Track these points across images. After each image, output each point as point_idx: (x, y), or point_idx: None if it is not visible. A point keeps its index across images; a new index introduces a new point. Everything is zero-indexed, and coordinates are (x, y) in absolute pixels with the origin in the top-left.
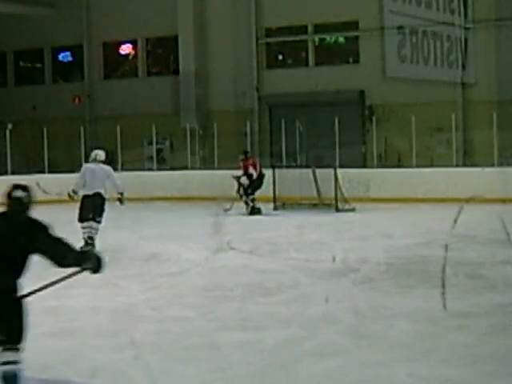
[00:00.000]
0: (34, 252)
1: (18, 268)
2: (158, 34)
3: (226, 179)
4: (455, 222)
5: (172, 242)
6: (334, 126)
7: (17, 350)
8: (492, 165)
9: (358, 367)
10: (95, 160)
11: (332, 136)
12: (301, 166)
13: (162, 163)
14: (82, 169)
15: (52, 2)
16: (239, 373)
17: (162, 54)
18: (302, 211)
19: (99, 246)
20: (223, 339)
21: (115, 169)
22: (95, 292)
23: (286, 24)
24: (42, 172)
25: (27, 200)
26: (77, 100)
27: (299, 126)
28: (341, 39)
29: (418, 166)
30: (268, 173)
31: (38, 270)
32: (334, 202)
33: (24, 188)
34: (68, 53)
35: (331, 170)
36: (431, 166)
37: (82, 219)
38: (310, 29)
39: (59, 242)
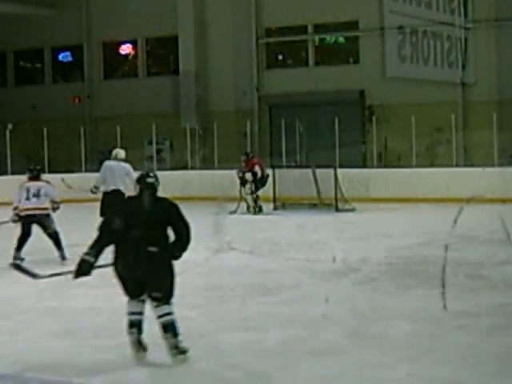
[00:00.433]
0: (168, 224)
1: (163, 238)
2: (158, 34)
3: (226, 179)
4: (455, 222)
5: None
6: (334, 125)
7: (170, 303)
8: (492, 165)
9: (358, 367)
10: (116, 158)
11: (332, 136)
12: (301, 166)
13: (162, 163)
14: (103, 166)
15: (52, 2)
16: (240, 373)
17: (162, 54)
18: (302, 211)
19: None
20: (223, 339)
21: None
22: (95, 292)
23: (286, 24)
24: (42, 172)
25: (157, 184)
26: (77, 100)
27: (299, 125)
28: (341, 39)
29: (417, 166)
30: (268, 173)
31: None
32: (333, 202)
33: (153, 175)
34: (68, 53)
35: (331, 170)
36: (431, 166)
37: (102, 214)
38: (309, 29)
39: (184, 223)
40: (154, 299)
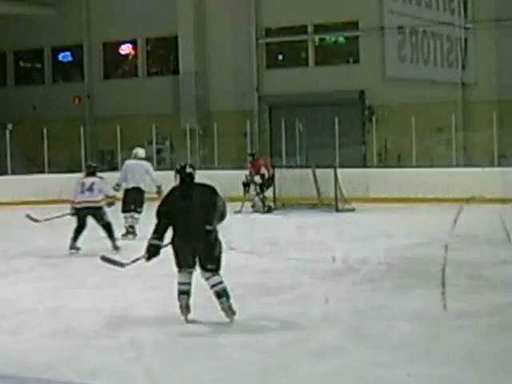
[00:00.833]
0: (212, 204)
1: (208, 218)
2: (158, 34)
3: (226, 179)
4: (455, 221)
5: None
6: (333, 126)
7: (220, 273)
8: (492, 165)
9: (358, 367)
10: (135, 157)
11: (332, 136)
12: (301, 166)
13: (162, 163)
14: (124, 165)
15: (52, 2)
16: (240, 373)
17: (162, 54)
18: (302, 211)
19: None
20: (224, 339)
21: (115, 169)
22: (95, 292)
23: (286, 24)
24: (42, 172)
25: (194, 174)
26: (77, 100)
27: (299, 126)
28: (341, 39)
29: (417, 166)
30: (273, 172)
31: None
32: (333, 202)
33: (191, 166)
34: (68, 53)
35: (331, 170)
36: (431, 166)
37: (124, 210)
38: (309, 29)
39: (223, 204)
40: (207, 270)
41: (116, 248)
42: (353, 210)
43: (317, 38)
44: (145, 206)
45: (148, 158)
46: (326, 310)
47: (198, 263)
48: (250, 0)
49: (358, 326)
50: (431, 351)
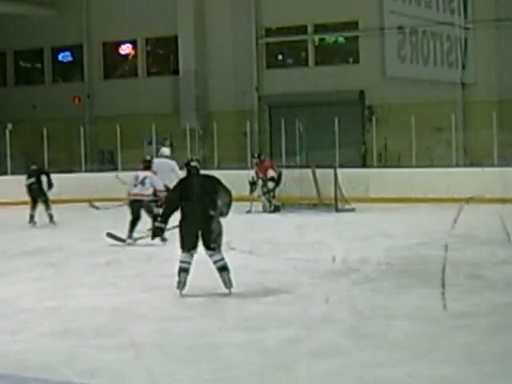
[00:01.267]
0: (216, 192)
1: (214, 203)
2: (157, 34)
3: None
4: (455, 221)
5: (172, 241)
6: (333, 125)
7: (221, 251)
8: (492, 165)
9: (358, 367)
10: (161, 156)
11: (332, 136)
12: (301, 166)
13: None
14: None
15: (52, 2)
16: (239, 373)
17: (162, 54)
18: (302, 211)
19: (99, 246)
20: (223, 339)
21: (115, 169)
22: (95, 292)
23: (286, 24)
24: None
25: (199, 166)
26: (77, 100)
27: (299, 126)
28: (341, 39)
29: (417, 166)
30: (280, 171)
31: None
32: (333, 202)
33: (196, 160)
34: (68, 53)
35: (331, 170)
36: (431, 166)
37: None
38: (309, 29)
39: (226, 191)
40: (210, 249)
41: (163, 240)
42: (353, 209)
43: (317, 38)
44: None
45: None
46: (326, 310)
47: (202, 243)
48: (249, 0)
49: (358, 325)
50: (431, 351)
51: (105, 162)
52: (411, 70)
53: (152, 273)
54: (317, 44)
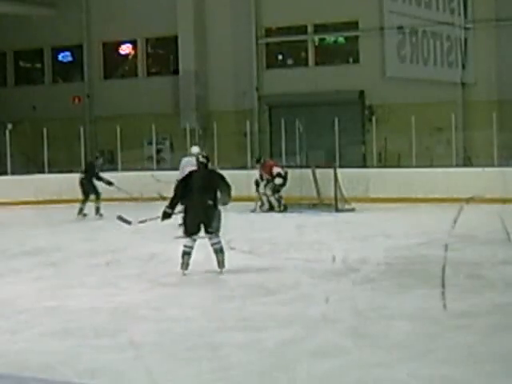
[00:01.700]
0: (216, 186)
1: (213, 195)
2: (158, 34)
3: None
4: (455, 222)
5: (172, 242)
6: (333, 125)
7: (218, 235)
8: (492, 165)
9: (358, 367)
10: (190, 154)
11: (332, 136)
12: (301, 166)
13: (162, 163)
14: (181, 162)
15: (52, 2)
16: (239, 373)
17: (162, 54)
18: (302, 211)
19: (99, 246)
20: (223, 339)
21: (115, 169)
22: (95, 292)
23: (286, 24)
24: (42, 172)
25: (206, 162)
26: (77, 100)
27: (299, 126)
28: (341, 39)
29: (417, 166)
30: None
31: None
32: (333, 202)
33: (204, 156)
34: (68, 53)
35: (331, 170)
36: (431, 166)
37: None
38: (309, 29)
39: (226, 184)
40: (209, 233)
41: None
42: (353, 209)
43: (317, 38)
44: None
45: (148, 158)
46: (326, 310)
47: (202, 228)
48: (249, 0)
49: (358, 325)
50: (431, 351)
51: (105, 162)
52: (411, 70)
53: (152, 273)
54: (317, 44)
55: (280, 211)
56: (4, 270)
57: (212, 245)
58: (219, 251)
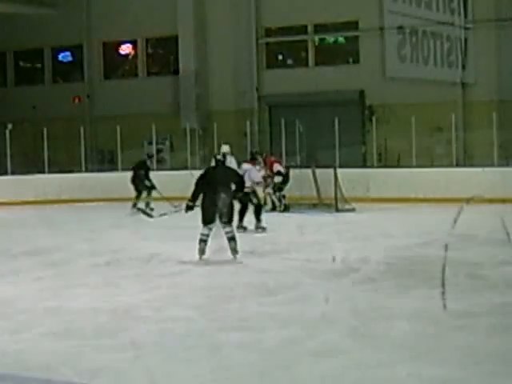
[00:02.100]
0: (231, 181)
1: (229, 189)
2: (158, 34)
3: None
4: (455, 222)
5: (172, 242)
6: (334, 125)
7: (232, 225)
8: (492, 165)
9: (358, 367)
10: (221, 153)
11: (332, 136)
12: (301, 166)
13: (162, 163)
14: (212, 161)
15: (52, 2)
16: (239, 373)
17: (162, 54)
18: (302, 211)
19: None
20: (223, 339)
21: (115, 169)
22: (95, 292)
23: (286, 24)
24: (42, 172)
25: (222, 159)
26: (77, 100)
27: (299, 126)
28: (341, 39)
29: (418, 166)
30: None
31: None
32: (333, 201)
33: (221, 154)
34: (68, 53)
35: (331, 170)
36: (431, 166)
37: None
38: (309, 29)
39: (240, 179)
40: (223, 222)
41: (259, 228)
42: (353, 209)
43: (317, 38)
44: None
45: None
46: (326, 310)
47: (217, 219)
48: (250, 0)
49: (358, 325)
50: (431, 351)
51: (105, 161)
52: (411, 69)
53: (152, 273)
54: (317, 44)
55: (280, 211)
56: (4, 270)
57: (225, 233)
58: (232, 239)
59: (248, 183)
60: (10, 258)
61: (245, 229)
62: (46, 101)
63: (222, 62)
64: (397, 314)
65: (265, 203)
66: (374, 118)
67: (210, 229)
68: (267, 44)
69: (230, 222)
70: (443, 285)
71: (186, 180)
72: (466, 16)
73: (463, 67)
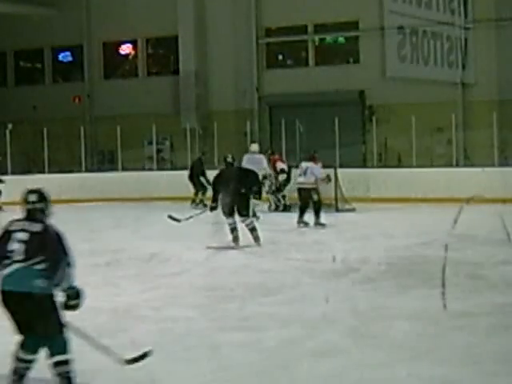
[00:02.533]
0: (245, 179)
1: (242, 186)
2: (158, 34)
3: None
4: (455, 222)
5: (172, 241)
6: (334, 125)
7: (250, 217)
8: (492, 165)
9: (358, 367)
10: (251, 151)
11: (332, 136)
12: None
13: (162, 163)
14: (243, 159)
15: (52, 1)
16: (239, 373)
17: (162, 54)
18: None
19: (100, 246)
20: (223, 339)
21: (115, 169)
22: (95, 292)
23: (285, 24)
24: (42, 172)
25: (232, 161)
26: (77, 100)
27: (299, 126)
28: (341, 39)
29: (418, 166)
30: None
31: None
32: (334, 201)
33: (230, 156)
34: (68, 53)
35: (331, 170)
36: (431, 166)
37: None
38: (310, 29)
39: (254, 174)
40: (242, 215)
41: (319, 224)
42: (353, 209)
43: (317, 38)
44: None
45: (148, 158)
46: (326, 310)
47: (236, 212)
48: (250, 0)
49: (358, 325)
50: (431, 351)
51: (105, 161)
52: (411, 69)
53: (152, 273)
54: (317, 44)
55: (281, 210)
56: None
57: (246, 226)
58: (253, 229)
59: (311, 179)
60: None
61: (306, 224)
62: (46, 101)
63: (222, 62)
64: (396, 314)
65: (270, 204)
66: (374, 118)
67: (232, 217)
68: (267, 44)
69: (247, 215)
70: (443, 285)
71: (185, 180)
72: (466, 16)
73: (463, 67)
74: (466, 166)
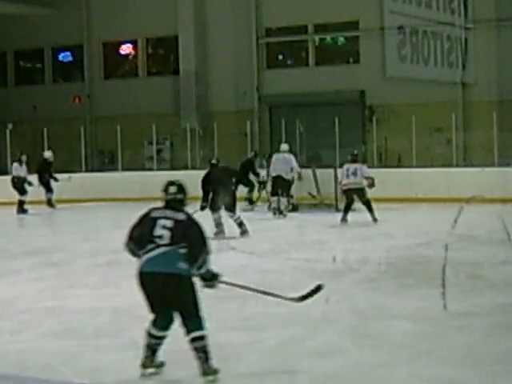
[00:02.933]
0: (230, 176)
1: (227, 184)
2: (158, 34)
3: None
4: (455, 221)
5: None
6: (334, 125)
7: (236, 213)
8: (492, 165)
9: (358, 367)
10: (281, 151)
11: (332, 136)
12: (301, 166)
13: (162, 163)
14: (272, 158)
15: (52, 2)
16: (240, 373)
17: (162, 54)
18: (302, 211)
19: (99, 246)
20: (224, 339)
21: (115, 169)
22: (95, 292)
23: (285, 24)
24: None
25: (216, 162)
26: (77, 100)
27: (299, 126)
28: (341, 39)
29: (417, 166)
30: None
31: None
32: (334, 201)
33: (215, 159)
34: (68, 53)
35: (331, 170)
36: (431, 166)
37: (272, 194)
38: (310, 29)
39: (236, 173)
40: (229, 211)
41: (375, 220)
42: (353, 209)
43: (317, 38)
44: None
45: (148, 158)
46: (326, 310)
47: (223, 208)
48: (250, 0)
49: (358, 325)
50: (431, 351)
51: (105, 161)
52: (411, 70)
53: None
54: (317, 44)
55: (289, 211)
56: (4, 270)
57: (234, 220)
58: (241, 224)
59: (361, 179)
60: (10, 258)
61: (346, 221)
62: (46, 101)
63: (222, 62)
64: (396, 314)
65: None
66: (374, 118)
67: (218, 213)
68: (267, 44)
69: (233, 210)
70: (443, 285)
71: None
72: (466, 16)
73: (463, 67)
74: (465, 166)
